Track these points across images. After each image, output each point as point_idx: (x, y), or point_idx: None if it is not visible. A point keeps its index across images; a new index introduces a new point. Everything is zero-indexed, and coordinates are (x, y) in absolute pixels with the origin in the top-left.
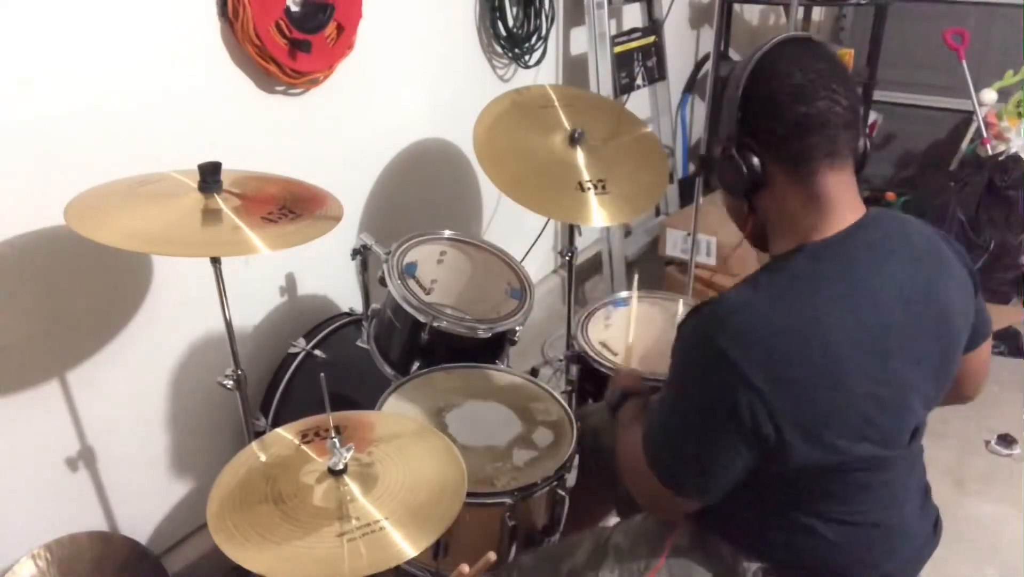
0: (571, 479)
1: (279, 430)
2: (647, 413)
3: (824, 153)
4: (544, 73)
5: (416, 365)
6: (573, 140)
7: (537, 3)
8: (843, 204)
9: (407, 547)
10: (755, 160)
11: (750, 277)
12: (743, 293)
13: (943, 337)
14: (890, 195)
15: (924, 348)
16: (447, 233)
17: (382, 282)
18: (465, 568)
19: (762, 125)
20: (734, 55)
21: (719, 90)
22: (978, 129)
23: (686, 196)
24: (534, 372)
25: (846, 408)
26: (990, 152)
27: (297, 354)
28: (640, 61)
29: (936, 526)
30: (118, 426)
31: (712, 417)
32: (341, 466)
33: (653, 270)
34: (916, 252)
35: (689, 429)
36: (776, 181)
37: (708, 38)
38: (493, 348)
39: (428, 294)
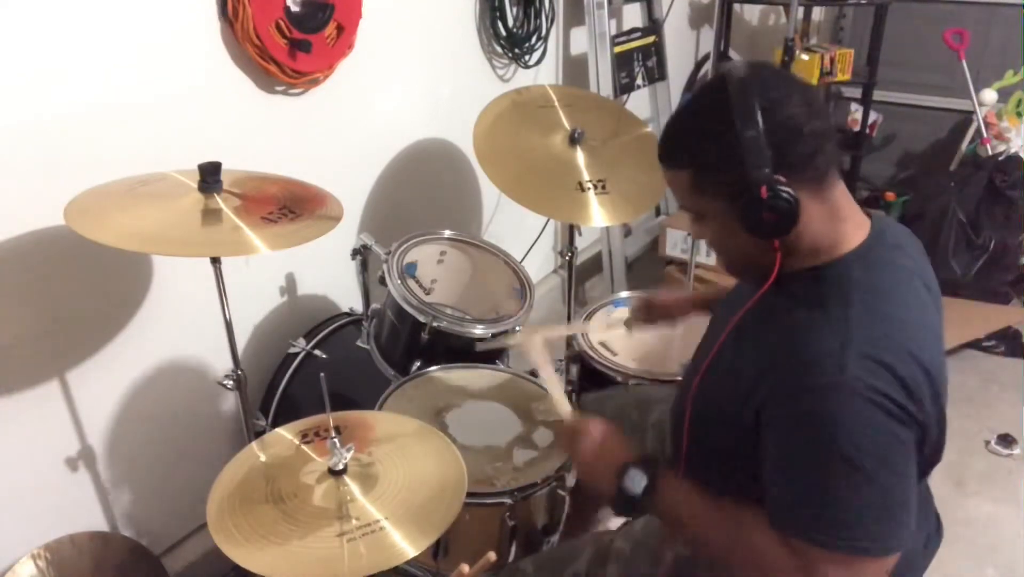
0: (571, 479)
1: (279, 430)
2: (811, 523)
3: (835, 162)
4: (544, 73)
5: (416, 365)
6: (573, 140)
7: (537, 3)
8: (851, 211)
9: (407, 547)
10: (790, 191)
11: (804, 313)
12: (827, 329)
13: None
14: (890, 195)
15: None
16: (447, 233)
17: (382, 282)
18: (465, 568)
19: (791, 151)
20: (734, 55)
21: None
22: (978, 129)
23: None
24: (534, 372)
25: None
26: (990, 152)
27: (297, 354)
28: (640, 61)
29: (938, 524)
30: (118, 426)
31: (893, 444)
32: (341, 466)
33: (653, 270)
34: (916, 249)
35: (882, 480)
36: (803, 207)
37: (708, 38)
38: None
39: (428, 294)
